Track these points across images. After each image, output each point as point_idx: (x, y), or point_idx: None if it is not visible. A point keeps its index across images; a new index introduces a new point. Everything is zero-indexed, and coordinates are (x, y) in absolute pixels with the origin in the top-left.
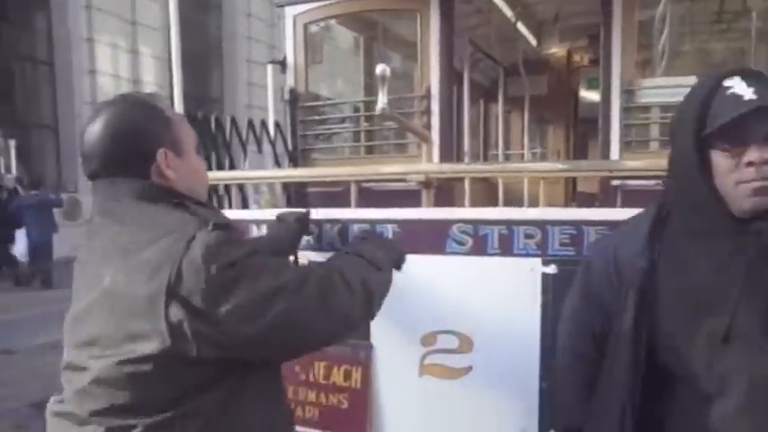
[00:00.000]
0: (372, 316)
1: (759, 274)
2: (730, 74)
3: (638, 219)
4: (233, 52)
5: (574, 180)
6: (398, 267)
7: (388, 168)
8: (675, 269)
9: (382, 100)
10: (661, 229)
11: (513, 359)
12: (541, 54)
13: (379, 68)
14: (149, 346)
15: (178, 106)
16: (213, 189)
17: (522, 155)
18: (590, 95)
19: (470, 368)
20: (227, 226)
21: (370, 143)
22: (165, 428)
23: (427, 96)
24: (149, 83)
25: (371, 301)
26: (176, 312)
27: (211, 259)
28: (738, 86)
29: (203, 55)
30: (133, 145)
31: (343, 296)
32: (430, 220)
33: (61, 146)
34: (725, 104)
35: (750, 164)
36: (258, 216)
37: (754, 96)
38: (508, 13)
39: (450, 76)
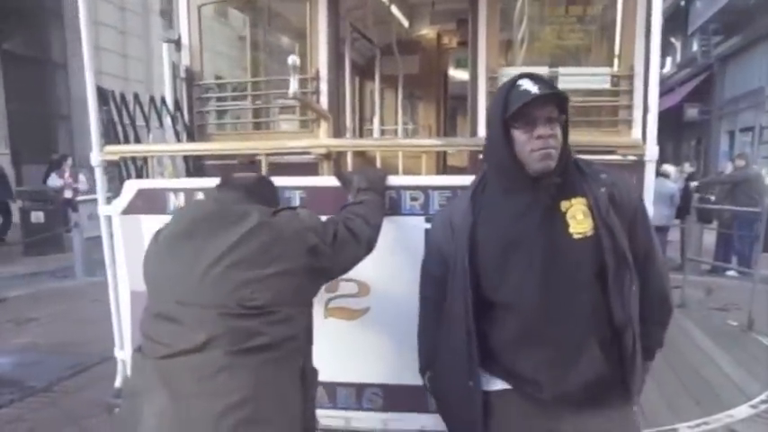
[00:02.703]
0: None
1: (549, 217)
2: (521, 77)
3: (464, 192)
4: (76, 12)
5: (444, 155)
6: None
7: (293, 143)
8: (491, 219)
9: (293, 85)
10: (480, 194)
11: (402, 299)
12: (413, 36)
13: (291, 59)
14: (294, 261)
15: None
16: (131, 161)
17: (396, 130)
18: (458, 74)
19: (368, 309)
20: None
21: (258, 120)
22: (295, 317)
23: (316, 78)
24: None
25: (373, 228)
26: (312, 237)
27: (312, 214)
28: (526, 84)
29: (38, 11)
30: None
31: (368, 229)
32: (333, 187)
33: None
34: (517, 96)
35: (539, 137)
36: (177, 185)
37: (537, 91)
38: None
39: (338, 60)
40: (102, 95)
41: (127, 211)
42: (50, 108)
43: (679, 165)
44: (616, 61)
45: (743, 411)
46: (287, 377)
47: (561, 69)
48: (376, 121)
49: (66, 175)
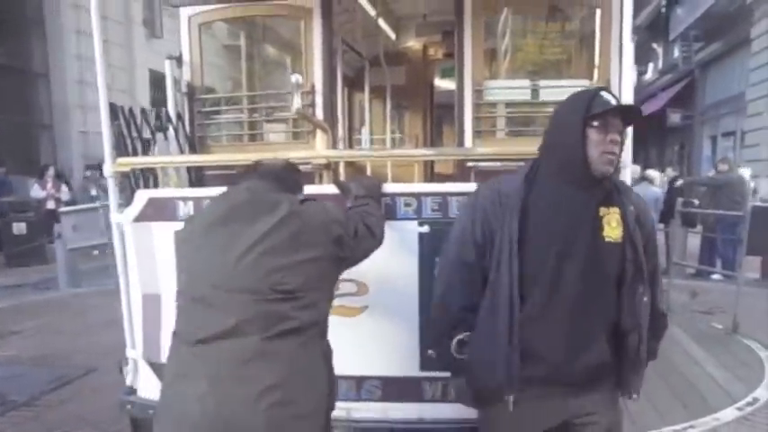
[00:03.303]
0: (383, 233)
1: (593, 216)
2: (599, 90)
3: (514, 174)
4: (57, 21)
5: (432, 163)
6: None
7: (293, 154)
8: (543, 202)
9: (297, 102)
10: (532, 180)
11: (398, 297)
12: (400, 47)
13: (294, 78)
14: (320, 250)
15: None
16: (138, 172)
17: (384, 139)
18: (444, 84)
19: (366, 307)
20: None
21: (255, 132)
22: (319, 303)
23: (312, 92)
24: None
25: (382, 227)
26: (337, 228)
27: (337, 206)
28: (607, 96)
29: (19, 20)
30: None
31: (379, 227)
32: (333, 195)
33: None
34: (601, 103)
35: (611, 141)
36: (185, 194)
37: (614, 102)
38: (371, 11)
39: (332, 74)
40: (113, 110)
41: (138, 219)
42: (32, 117)
43: (663, 170)
44: (596, 73)
45: (729, 414)
46: (315, 359)
47: (542, 82)
48: (365, 131)
49: (49, 185)
